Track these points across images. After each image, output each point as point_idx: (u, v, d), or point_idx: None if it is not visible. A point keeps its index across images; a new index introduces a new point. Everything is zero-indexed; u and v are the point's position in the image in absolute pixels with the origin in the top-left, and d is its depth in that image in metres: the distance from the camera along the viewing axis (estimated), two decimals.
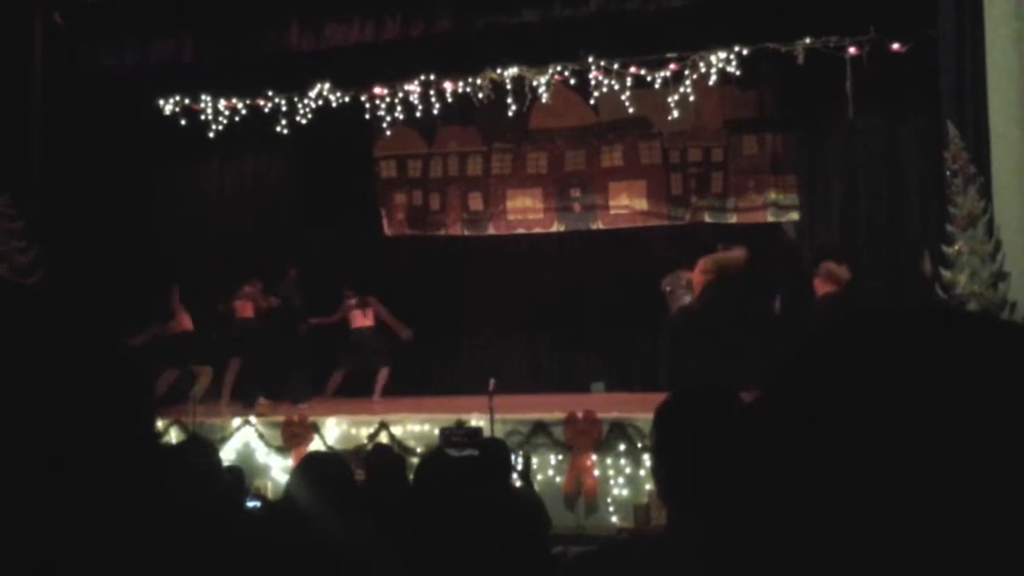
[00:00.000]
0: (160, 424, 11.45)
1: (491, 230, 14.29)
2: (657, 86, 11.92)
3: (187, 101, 13.43)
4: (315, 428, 11.45)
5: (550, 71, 12.09)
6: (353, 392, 13.01)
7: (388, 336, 13.26)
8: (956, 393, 0.67)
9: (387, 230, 14.57)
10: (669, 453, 2.21)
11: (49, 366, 0.72)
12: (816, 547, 0.68)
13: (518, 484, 7.76)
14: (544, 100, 12.37)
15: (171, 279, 13.01)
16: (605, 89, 12.12)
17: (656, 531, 4.90)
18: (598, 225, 13.84)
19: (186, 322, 12.95)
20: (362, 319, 13.19)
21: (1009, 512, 0.64)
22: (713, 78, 11.72)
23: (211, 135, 13.41)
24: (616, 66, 11.93)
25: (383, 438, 10.90)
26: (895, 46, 10.93)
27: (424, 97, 12.60)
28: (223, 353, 12.94)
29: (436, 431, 10.45)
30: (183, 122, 13.42)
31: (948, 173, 9.73)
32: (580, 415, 10.66)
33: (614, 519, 10.21)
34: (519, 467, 7.92)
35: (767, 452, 0.72)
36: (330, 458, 5.07)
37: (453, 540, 4.59)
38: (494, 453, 5.81)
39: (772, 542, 0.70)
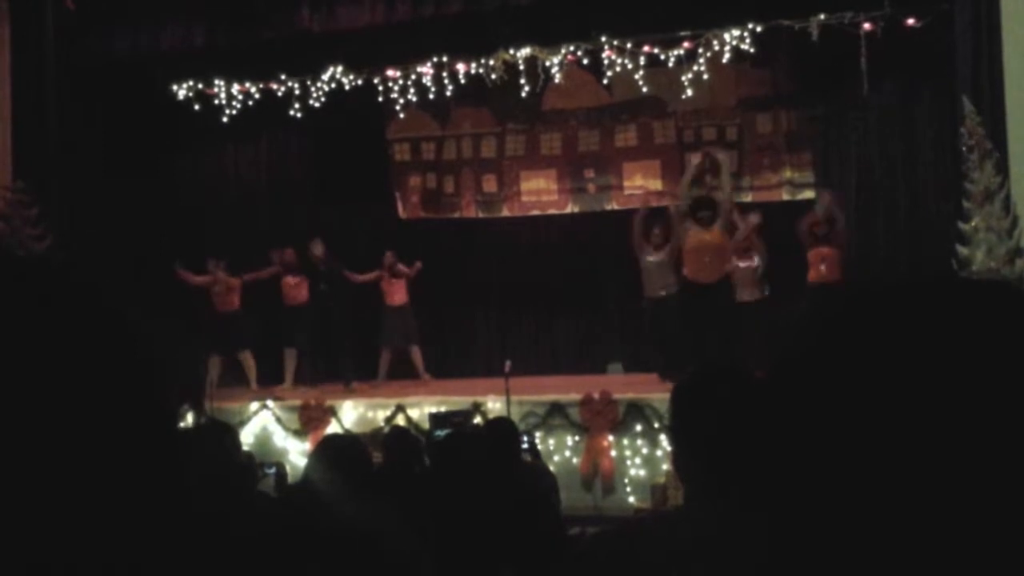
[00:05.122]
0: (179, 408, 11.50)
1: (505, 212, 14.27)
2: (670, 65, 11.87)
3: (200, 86, 13.42)
4: (332, 411, 11.50)
5: (563, 51, 12.05)
6: (369, 375, 12.99)
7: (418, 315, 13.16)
8: (974, 366, 0.66)
9: (401, 213, 14.56)
10: (687, 432, 2.21)
11: (67, 342, 0.72)
12: (835, 530, 0.67)
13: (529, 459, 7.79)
14: (557, 81, 12.33)
15: (187, 262, 12.98)
16: (618, 69, 12.07)
17: (673, 511, 4.90)
18: (612, 206, 13.80)
19: (234, 300, 12.79)
20: (398, 295, 12.91)
21: None
22: (727, 56, 11.66)
23: (225, 119, 13.40)
24: (629, 45, 11.87)
25: (400, 421, 10.93)
26: (910, 21, 10.85)
27: (437, 79, 12.57)
28: (281, 338, 12.87)
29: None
30: (197, 107, 13.41)
31: (964, 149, 9.67)
32: (596, 396, 10.66)
33: (631, 499, 10.22)
34: (526, 444, 7.95)
35: (777, 431, 0.71)
36: (348, 440, 5.09)
37: (468, 515, 4.60)
38: (500, 430, 5.86)
39: (794, 524, 0.69)
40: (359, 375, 12.69)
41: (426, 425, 10.59)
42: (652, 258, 11.74)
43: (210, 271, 12.72)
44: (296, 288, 12.77)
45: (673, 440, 2.29)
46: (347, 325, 12.78)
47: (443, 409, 10.68)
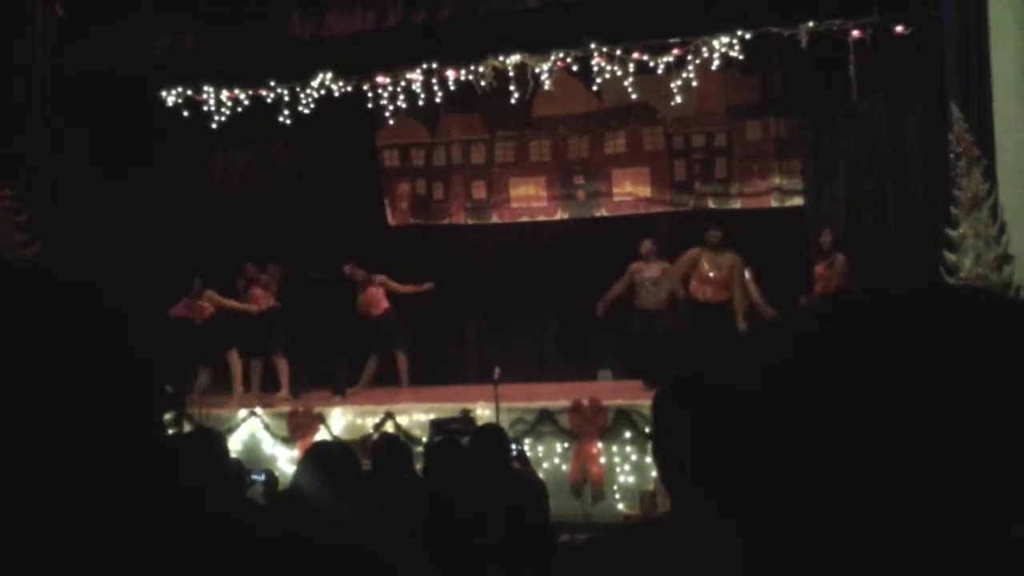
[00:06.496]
0: (167, 416, 11.45)
1: (495, 218, 14.27)
2: (660, 72, 11.88)
3: (189, 92, 13.39)
4: (321, 418, 11.47)
5: (552, 58, 12.06)
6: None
7: (405, 321, 13.11)
8: (958, 374, 0.66)
9: (391, 219, 14.55)
10: (670, 440, 2.21)
11: (58, 346, 0.72)
12: (820, 537, 0.67)
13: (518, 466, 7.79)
14: (547, 87, 12.34)
15: (175, 269, 12.95)
16: (608, 75, 12.08)
17: (662, 518, 4.91)
18: (602, 212, 13.82)
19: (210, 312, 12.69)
20: (379, 303, 12.85)
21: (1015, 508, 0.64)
22: (716, 63, 11.68)
23: (214, 126, 13.37)
24: (619, 52, 11.89)
25: (389, 428, 10.91)
26: (898, 29, 10.89)
27: (426, 85, 12.57)
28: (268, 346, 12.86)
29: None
30: (186, 113, 13.38)
31: (952, 156, 9.70)
32: (585, 403, 10.66)
33: (620, 506, 10.23)
34: (515, 451, 7.94)
35: (759, 438, 0.71)
36: (337, 447, 5.08)
37: (458, 523, 4.60)
38: (489, 437, 5.85)
39: (779, 531, 0.69)
40: (348, 382, 12.68)
41: (416, 432, 10.62)
42: (647, 272, 11.78)
43: (194, 291, 12.61)
44: (262, 297, 12.74)
45: (656, 448, 2.28)
46: (336, 333, 12.76)
47: (433, 416, 10.69)
